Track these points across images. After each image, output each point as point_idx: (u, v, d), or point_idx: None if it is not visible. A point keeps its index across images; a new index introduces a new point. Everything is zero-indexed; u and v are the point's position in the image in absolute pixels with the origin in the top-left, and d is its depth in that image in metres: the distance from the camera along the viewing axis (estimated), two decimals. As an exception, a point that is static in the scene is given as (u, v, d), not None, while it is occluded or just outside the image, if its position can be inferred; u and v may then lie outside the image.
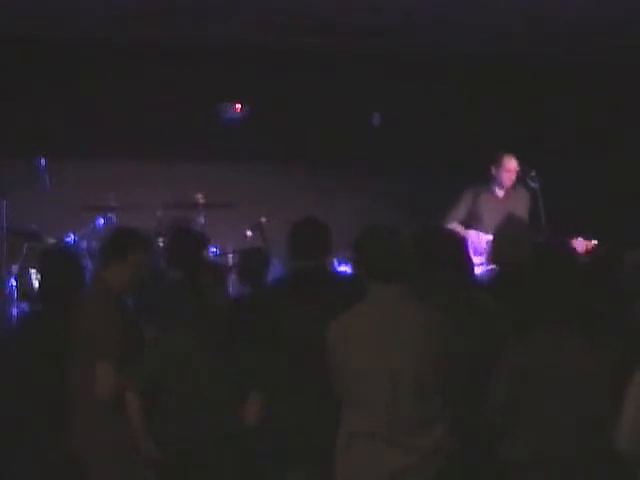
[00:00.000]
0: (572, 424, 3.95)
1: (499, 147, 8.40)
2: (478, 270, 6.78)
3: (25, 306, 7.45)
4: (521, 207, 8.16)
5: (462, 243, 4.96)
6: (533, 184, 8.15)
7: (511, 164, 8.22)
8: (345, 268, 7.78)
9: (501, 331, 4.37)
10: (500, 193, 8.28)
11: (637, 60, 9.88)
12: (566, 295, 4.07)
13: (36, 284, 7.12)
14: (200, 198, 8.61)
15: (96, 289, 5.05)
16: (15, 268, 7.98)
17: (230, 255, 8.39)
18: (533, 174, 8.13)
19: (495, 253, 5.54)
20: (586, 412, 3.95)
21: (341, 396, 4.11)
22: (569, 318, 4.03)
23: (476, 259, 6.97)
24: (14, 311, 7.69)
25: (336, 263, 7.93)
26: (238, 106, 9.87)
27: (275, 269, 7.07)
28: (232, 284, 6.48)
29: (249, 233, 8.55)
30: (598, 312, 4.13)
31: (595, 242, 7.32)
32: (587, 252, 6.94)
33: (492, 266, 6.86)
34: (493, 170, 8.25)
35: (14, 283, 7.92)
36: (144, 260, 5.03)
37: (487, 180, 8.33)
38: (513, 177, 8.21)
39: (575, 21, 8.73)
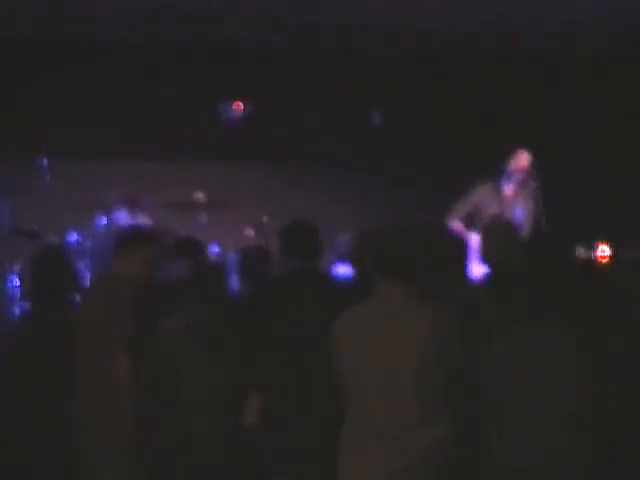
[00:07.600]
0: (563, 425, 3.92)
1: (499, 147, 8.39)
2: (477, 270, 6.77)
3: (27, 305, 7.44)
4: (528, 206, 8.16)
5: (461, 243, 4.95)
6: (533, 184, 8.15)
7: (524, 157, 8.20)
8: (344, 268, 7.71)
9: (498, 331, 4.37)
10: (509, 190, 8.26)
11: (638, 59, 9.90)
12: (558, 293, 4.07)
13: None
14: (200, 198, 8.62)
15: (105, 281, 5.05)
16: (17, 267, 7.99)
17: (230, 255, 8.39)
18: (533, 174, 8.13)
19: (483, 252, 5.53)
20: (576, 412, 3.92)
21: (345, 392, 4.12)
22: (558, 316, 4.02)
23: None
24: (16, 310, 7.69)
25: (336, 262, 7.89)
26: (239, 106, 9.87)
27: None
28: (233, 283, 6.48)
29: (250, 233, 8.55)
30: (593, 311, 4.12)
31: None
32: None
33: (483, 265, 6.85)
34: (505, 164, 8.21)
35: (16, 282, 7.93)
36: (155, 254, 5.05)
37: (493, 177, 8.32)
38: (525, 171, 8.17)
39: (575, 21, 8.74)
